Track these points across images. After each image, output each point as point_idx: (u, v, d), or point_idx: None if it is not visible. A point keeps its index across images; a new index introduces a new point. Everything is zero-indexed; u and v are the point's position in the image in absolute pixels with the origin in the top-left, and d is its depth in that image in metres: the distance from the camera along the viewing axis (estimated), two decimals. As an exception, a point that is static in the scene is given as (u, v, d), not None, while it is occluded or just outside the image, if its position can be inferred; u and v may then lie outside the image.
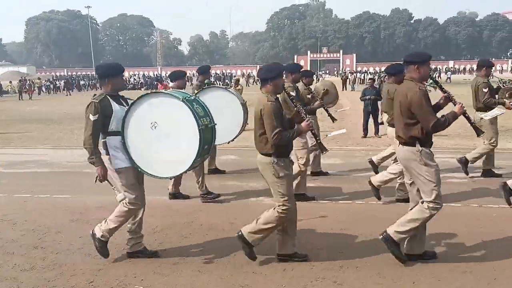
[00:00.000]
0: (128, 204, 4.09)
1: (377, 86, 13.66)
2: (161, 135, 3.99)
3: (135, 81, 51.90)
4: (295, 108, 4.16)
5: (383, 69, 24.28)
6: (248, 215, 5.64)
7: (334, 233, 4.92)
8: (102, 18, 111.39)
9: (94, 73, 73.93)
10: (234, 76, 33.89)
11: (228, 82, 45.17)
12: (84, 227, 5.26)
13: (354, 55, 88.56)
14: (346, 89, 35.60)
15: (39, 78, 45.12)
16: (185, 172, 4.13)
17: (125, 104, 4.13)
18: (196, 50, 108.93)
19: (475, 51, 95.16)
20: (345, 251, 4.37)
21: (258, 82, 53.17)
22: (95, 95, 4.06)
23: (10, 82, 42.98)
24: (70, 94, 37.83)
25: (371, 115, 11.94)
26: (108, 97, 3.99)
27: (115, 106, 3.98)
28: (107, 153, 4.02)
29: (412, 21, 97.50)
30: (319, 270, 3.97)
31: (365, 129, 11.90)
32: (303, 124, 3.99)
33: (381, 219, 4.93)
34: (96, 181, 4.01)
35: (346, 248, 4.46)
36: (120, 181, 4.04)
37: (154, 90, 4.60)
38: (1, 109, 24.32)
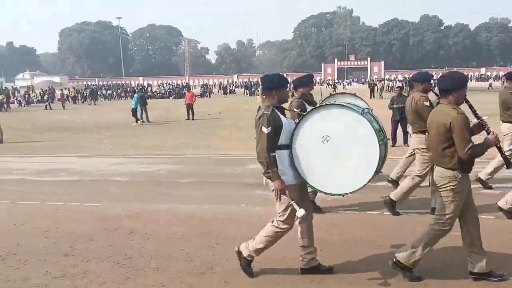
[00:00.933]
0: (279, 223, 3.89)
1: (406, 94, 13.45)
2: (333, 149, 3.79)
3: (163, 89, 52.65)
4: (479, 120, 3.87)
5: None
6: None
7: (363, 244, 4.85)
8: (132, 29, 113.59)
9: (123, 82, 75.75)
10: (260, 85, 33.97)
11: (255, 91, 45.36)
12: (114, 235, 5.35)
13: (382, 62, 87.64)
14: (374, 97, 35.21)
15: (73, 88, 46.31)
16: (358, 190, 3.83)
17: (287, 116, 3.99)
18: (223, 59, 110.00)
19: (508, 57, 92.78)
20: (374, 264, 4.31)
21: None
22: (264, 108, 3.87)
23: (34, 91, 44.45)
24: (94, 104, 38.63)
25: (399, 124, 11.76)
26: (275, 109, 3.85)
27: (283, 118, 3.85)
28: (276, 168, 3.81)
29: (442, 28, 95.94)
30: (346, 283, 3.93)
31: (393, 139, 11.72)
32: (490, 137, 3.75)
33: (402, 232, 4.84)
34: (277, 198, 3.77)
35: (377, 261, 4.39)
36: (285, 198, 3.81)
37: (326, 103, 4.26)
38: (31, 118, 25.10)
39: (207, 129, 16.87)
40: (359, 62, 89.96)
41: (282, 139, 3.82)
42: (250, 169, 9.23)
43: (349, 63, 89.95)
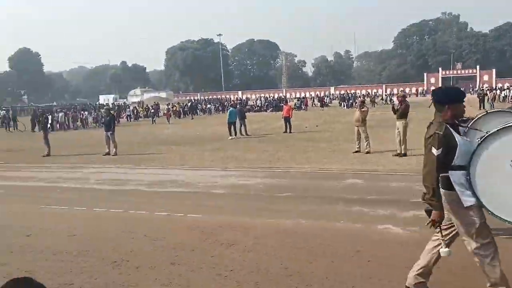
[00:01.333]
0: (480, 249, 3.50)
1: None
2: None
3: (261, 103, 53.82)
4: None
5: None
6: (375, 244, 5.45)
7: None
8: (232, 44, 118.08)
9: (222, 96, 78.87)
10: (359, 97, 33.20)
11: (353, 103, 44.48)
12: (215, 246, 5.54)
13: (494, 70, 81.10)
14: (484, 108, 32.65)
15: (178, 103, 49.19)
16: None
17: (461, 132, 3.69)
18: (320, 71, 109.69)
19: None
20: None
21: (387, 101, 51.59)
22: (436, 125, 3.58)
23: (142, 107, 47.81)
24: (193, 118, 40.64)
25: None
26: (448, 127, 3.53)
27: (458, 137, 3.52)
28: (450, 189, 3.52)
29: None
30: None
31: None
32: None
33: None
34: (432, 226, 3.55)
35: None
36: (471, 220, 3.48)
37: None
38: (141, 132, 27.03)
39: (304, 142, 16.87)
40: (466, 71, 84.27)
41: (458, 160, 3.50)
42: (350, 184, 9.04)
43: (455, 72, 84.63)
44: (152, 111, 39.57)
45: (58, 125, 31.52)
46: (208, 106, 52.40)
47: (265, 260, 4.99)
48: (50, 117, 27.66)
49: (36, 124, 27.63)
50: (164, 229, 6.39)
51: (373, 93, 64.37)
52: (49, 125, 21.53)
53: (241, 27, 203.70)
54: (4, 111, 40.77)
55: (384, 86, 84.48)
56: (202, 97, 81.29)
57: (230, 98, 71.60)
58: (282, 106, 29.34)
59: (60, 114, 33.20)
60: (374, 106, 44.00)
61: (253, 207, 7.55)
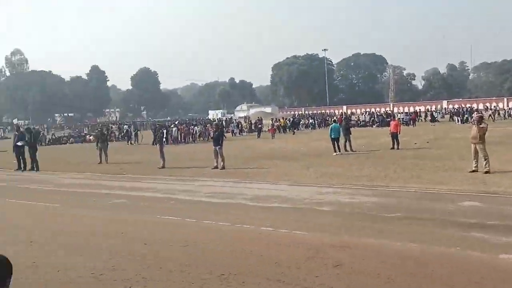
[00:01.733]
0: None
1: None
2: None
3: (366, 118, 52.48)
4: None
5: None
6: (498, 276, 4.98)
7: None
8: (337, 59, 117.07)
9: (327, 111, 78.38)
10: (475, 111, 30.75)
11: (468, 118, 41.34)
12: (320, 265, 5.47)
13: None
14: None
15: (282, 118, 49.91)
16: None
17: None
18: (432, 84, 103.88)
19: None
20: None
21: (509, 116, 47.12)
22: None
23: (246, 121, 49.07)
24: (294, 133, 40.77)
25: None
26: None
27: None
28: None
29: None
30: None
31: None
32: None
33: None
34: None
35: None
36: None
37: None
38: (246, 146, 27.79)
39: (414, 159, 16.04)
40: None
41: None
42: (466, 206, 8.40)
43: None
44: (260, 126, 40.51)
45: (171, 139, 33.72)
46: (311, 121, 52.34)
47: (373, 284, 4.81)
48: (165, 131, 29.74)
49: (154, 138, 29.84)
50: (269, 244, 6.48)
51: (493, 107, 59.24)
52: (164, 139, 23.15)
53: (347, 42, 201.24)
54: (127, 126, 44.86)
55: (505, 99, 77.39)
56: (306, 112, 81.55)
57: (335, 113, 70.86)
58: (389, 121, 28.30)
59: (174, 129, 35.50)
60: (494, 121, 40.49)
61: (359, 227, 7.35)
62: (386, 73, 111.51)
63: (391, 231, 6.99)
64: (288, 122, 45.52)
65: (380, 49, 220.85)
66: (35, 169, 17.85)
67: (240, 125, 45.84)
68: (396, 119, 29.88)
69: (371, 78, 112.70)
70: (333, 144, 19.83)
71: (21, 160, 18.27)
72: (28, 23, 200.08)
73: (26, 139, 18.39)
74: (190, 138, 35.88)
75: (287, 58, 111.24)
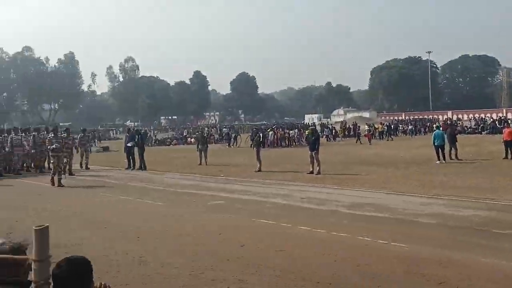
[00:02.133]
0: None
1: None
2: None
3: (474, 124, 48.76)
4: None
5: None
6: None
7: None
8: (442, 62, 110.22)
9: (429, 116, 74.17)
10: None
11: None
12: (421, 282, 5.19)
13: None
14: None
15: (381, 123, 48.15)
16: None
17: None
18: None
19: None
20: None
21: None
22: None
23: (342, 126, 47.88)
24: (388, 139, 39.09)
25: None
26: None
27: None
28: None
29: None
30: None
31: None
32: None
33: None
34: None
35: None
36: None
37: None
38: (340, 151, 27.24)
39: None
40: None
41: None
42: None
43: None
44: (359, 131, 39.48)
45: (268, 143, 34.25)
46: (410, 127, 49.84)
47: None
48: (261, 135, 30.28)
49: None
50: (366, 255, 6.27)
51: None
52: (261, 143, 23.57)
53: (454, 43, 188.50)
54: (226, 129, 46.49)
55: None
56: (406, 117, 77.95)
57: (438, 118, 66.86)
58: (502, 128, 25.99)
59: (270, 133, 36.04)
60: None
61: (464, 242, 6.83)
62: (498, 76, 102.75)
63: (503, 249, 6.39)
64: (385, 127, 43.78)
65: (491, 50, 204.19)
66: (142, 168, 19.22)
67: (333, 130, 44.95)
68: (511, 125, 27.38)
69: (481, 82, 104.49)
70: (437, 152, 18.75)
71: (131, 160, 19.78)
72: (139, 32, 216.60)
73: (136, 140, 19.86)
74: (286, 142, 36.17)
75: (387, 61, 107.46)
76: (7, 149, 18.31)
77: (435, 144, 18.82)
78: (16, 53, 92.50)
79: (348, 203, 10.35)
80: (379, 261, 5.98)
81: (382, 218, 8.79)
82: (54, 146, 15.11)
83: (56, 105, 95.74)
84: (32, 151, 19.09)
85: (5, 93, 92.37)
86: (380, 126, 44.17)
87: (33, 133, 20.15)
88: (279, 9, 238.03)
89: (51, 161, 15.79)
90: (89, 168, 20.07)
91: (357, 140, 35.76)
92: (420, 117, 76.03)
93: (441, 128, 21.67)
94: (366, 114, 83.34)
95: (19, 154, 18.73)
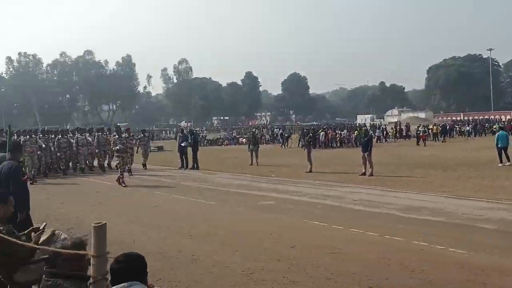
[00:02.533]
0: None
1: None
2: None
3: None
4: None
5: None
6: None
7: None
8: (504, 60, 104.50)
9: (491, 117, 70.47)
10: None
11: None
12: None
13: None
14: None
15: (435, 124, 46.23)
16: None
17: None
18: None
19: None
20: None
21: None
22: None
23: (395, 127, 46.24)
24: (443, 141, 37.34)
25: None
26: None
27: None
28: None
29: None
30: None
31: None
32: None
33: None
34: None
35: None
36: None
37: None
38: (394, 152, 26.45)
39: None
40: None
41: None
42: None
43: None
44: (409, 132, 38.14)
45: (319, 144, 33.90)
46: (467, 128, 47.55)
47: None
48: (311, 135, 29.96)
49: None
50: (422, 260, 6.06)
51: None
52: (311, 144, 23.32)
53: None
54: (278, 129, 46.48)
55: None
56: (465, 118, 74.65)
57: (501, 119, 63.53)
58: None
59: (321, 133, 35.63)
60: None
61: (529, 251, 6.44)
62: None
63: None
64: (439, 127, 41.88)
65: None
66: (195, 168, 19.61)
67: (385, 131, 43.61)
68: None
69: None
70: (499, 154, 17.79)
71: (184, 159, 20.24)
72: (192, 35, 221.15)
73: (189, 140, 20.30)
74: (338, 143, 35.67)
75: (445, 59, 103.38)
76: (73, 148, 19.27)
77: (498, 145, 17.86)
78: (78, 57, 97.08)
79: (402, 206, 10.06)
80: (436, 268, 5.76)
81: (438, 222, 8.47)
82: (118, 147, 15.70)
83: (115, 106, 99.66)
84: (96, 150, 20.01)
85: (67, 95, 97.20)
86: (434, 127, 42.36)
87: (97, 133, 21.05)
88: (330, 8, 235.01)
89: (117, 162, 16.42)
90: (146, 168, 20.72)
91: (417, 142, 34.48)
92: (481, 117, 72.57)
93: (505, 129, 20.56)
94: (422, 115, 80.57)
95: (84, 153, 19.67)
